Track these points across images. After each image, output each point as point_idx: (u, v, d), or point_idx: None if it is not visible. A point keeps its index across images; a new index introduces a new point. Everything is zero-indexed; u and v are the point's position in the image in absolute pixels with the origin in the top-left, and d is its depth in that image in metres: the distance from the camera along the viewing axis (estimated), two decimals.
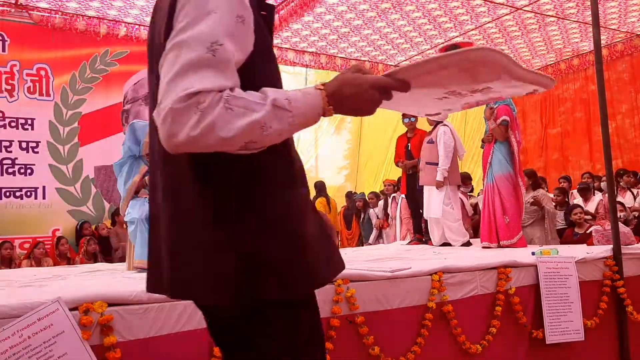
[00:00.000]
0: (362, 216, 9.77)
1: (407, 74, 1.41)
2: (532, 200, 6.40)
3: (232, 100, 1.19)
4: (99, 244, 7.91)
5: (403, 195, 9.26)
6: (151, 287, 1.60)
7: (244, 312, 1.38)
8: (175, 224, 1.40)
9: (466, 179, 7.51)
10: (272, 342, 1.39)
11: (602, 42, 6.01)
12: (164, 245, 1.44)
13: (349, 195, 10.56)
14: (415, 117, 7.04)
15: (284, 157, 1.41)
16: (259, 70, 1.34)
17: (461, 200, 6.63)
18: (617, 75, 10.70)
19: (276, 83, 1.39)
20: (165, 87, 1.20)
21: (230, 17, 1.25)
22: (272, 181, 1.38)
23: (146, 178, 4.75)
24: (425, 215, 6.41)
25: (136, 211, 4.55)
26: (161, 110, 1.19)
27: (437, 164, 6.14)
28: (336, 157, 11.94)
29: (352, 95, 1.34)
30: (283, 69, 10.63)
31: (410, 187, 6.85)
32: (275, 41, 9.57)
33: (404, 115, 6.95)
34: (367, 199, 9.96)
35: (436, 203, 6.16)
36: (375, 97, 1.36)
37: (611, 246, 4.58)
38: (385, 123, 11.79)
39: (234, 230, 1.33)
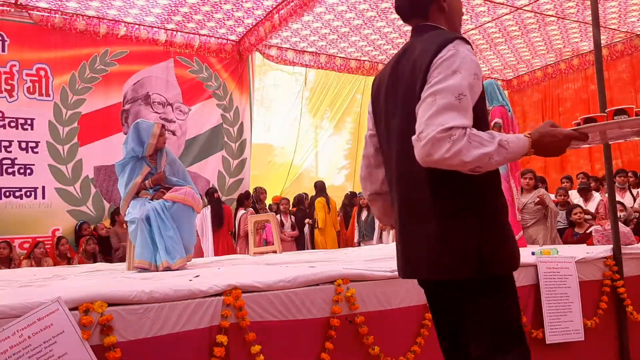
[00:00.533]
0: (367, 214, 9.78)
1: (589, 129, 2.15)
2: (537, 199, 6.37)
3: (472, 136, 1.73)
4: (98, 244, 7.90)
5: None
6: (406, 274, 2.15)
7: (474, 286, 1.93)
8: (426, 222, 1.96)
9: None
10: (496, 306, 1.95)
11: (602, 42, 6.00)
12: (418, 240, 2.00)
13: (350, 196, 10.54)
14: None
15: (496, 176, 2.00)
16: (478, 109, 1.88)
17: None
18: (617, 75, 10.70)
19: (484, 116, 1.96)
20: (425, 121, 1.76)
21: (470, 75, 1.83)
22: (490, 192, 1.97)
23: (147, 181, 4.75)
24: None
25: (137, 211, 4.54)
26: (423, 138, 1.75)
27: None
28: (336, 157, 11.93)
29: (549, 143, 1.92)
30: (283, 68, 10.65)
31: None
32: (275, 41, 9.59)
33: None
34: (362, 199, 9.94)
35: None
36: (564, 145, 1.96)
37: (611, 246, 4.58)
38: None
39: (467, 223, 1.90)
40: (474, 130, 1.75)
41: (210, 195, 8.94)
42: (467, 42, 1.94)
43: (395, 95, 2.06)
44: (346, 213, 10.46)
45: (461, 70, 1.81)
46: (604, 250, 4.55)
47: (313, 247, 9.39)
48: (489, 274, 1.90)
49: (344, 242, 10.26)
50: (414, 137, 1.79)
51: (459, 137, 1.71)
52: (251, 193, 9.66)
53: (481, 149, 1.73)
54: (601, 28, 5.43)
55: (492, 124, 5.70)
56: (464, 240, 1.89)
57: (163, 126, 4.91)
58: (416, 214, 1.99)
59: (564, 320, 4.01)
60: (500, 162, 1.80)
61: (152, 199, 4.66)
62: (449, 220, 1.91)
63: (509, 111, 5.82)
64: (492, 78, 12.42)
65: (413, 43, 2.07)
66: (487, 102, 5.87)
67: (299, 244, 9.52)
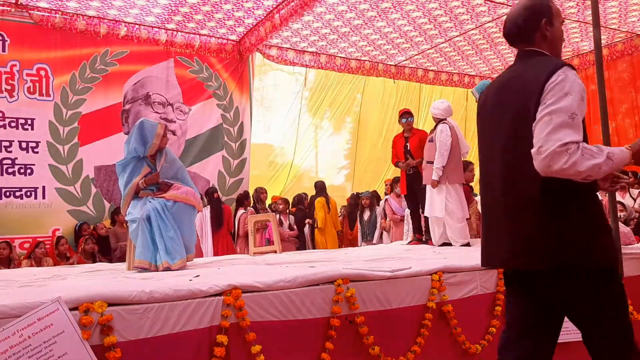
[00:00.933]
0: (369, 214, 9.79)
1: None
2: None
3: (585, 150, 2.07)
4: (97, 244, 7.90)
5: (388, 197, 9.33)
6: (490, 263, 2.55)
7: (581, 277, 2.21)
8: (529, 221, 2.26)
9: (467, 164, 7.16)
10: (602, 297, 2.23)
11: (603, 41, 6.00)
12: (514, 234, 2.31)
13: (355, 197, 10.51)
14: (413, 116, 7.00)
15: (595, 183, 2.29)
16: (582, 125, 2.17)
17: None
18: (617, 75, 10.70)
19: (585, 130, 2.21)
20: (544, 137, 2.10)
21: (579, 97, 2.15)
22: (593, 194, 2.28)
23: (140, 181, 4.72)
24: (427, 214, 6.36)
25: (138, 211, 4.54)
26: (543, 151, 2.09)
27: None
28: (336, 157, 11.93)
29: None
30: (283, 68, 10.64)
31: (410, 187, 6.82)
32: (275, 41, 9.59)
33: (402, 116, 6.92)
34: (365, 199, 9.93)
35: (438, 202, 6.13)
36: None
37: None
38: (381, 123, 11.83)
39: (579, 220, 2.21)
40: (586, 145, 2.10)
41: (210, 195, 8.94)
42: (573, 68, 2.25)
43: (503, 110, 2.41)
44: (352, 213, 10.45)
45: (571, 93, 2.14)
46: None
47: (314, 247, 9.40)
48: (596, 265, 2.20)
49: (349, 242, 10.26)
50: (533, 151, 2.14)
51: (574, 151, 2.06)
52: (251, 193, 9.66)
53: (592, 160, 2.07)
54: (601, 28, 5.43)
55: None
56: (577, 235, 2.19)
57: (166, 126, 4.92)
58: (524, 214, 2.28)
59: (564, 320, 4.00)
60: (606, 172, 2.12)
61: (154, 197, 4.65)
62: (560, 220, 2.20)
63: None
64: (492, 78, 12.44)
65: (521, 67, 2.43)
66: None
67: (299, 244, 9.52)
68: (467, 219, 6.29)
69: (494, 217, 2.46)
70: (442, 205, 6.08)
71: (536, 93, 2.21)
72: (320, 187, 9.89)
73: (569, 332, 4.02)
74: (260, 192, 9.60)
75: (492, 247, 2.46)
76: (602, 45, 4.41)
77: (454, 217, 6.08)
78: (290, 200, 10.06)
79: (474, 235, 6.49)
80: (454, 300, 3.68)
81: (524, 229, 2.27)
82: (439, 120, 6.33)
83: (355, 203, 10.40)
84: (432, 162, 6.17)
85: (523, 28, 2.44)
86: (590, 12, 5.42)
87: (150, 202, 4.58)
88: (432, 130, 6.39)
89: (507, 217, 2.35)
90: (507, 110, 2.37)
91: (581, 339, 3.66)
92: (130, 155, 4.72)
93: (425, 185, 6.33)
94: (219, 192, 9.20)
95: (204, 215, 8.77)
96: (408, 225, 8.44)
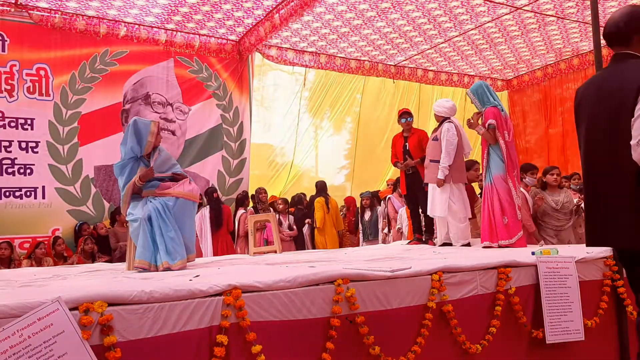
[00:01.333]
0: (370, 214, 9.79)
1: None
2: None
3: None
4: (97, 244, 7.90)
5: (390, 196, 9.32)
6: (595, 243, 3.00)
7: None
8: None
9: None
10: None
11: (602, 42, 5.97)
12: (622, 216, 2.72)
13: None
14: (412, 116, 6.98)
15: None
16: None
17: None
18: None
19: None
20: None
21: None
22: None
23: (137, 178, 4.70)
24: (429, 214, 6.35)
25: (139, 211, 4.53)
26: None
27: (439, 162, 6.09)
28: (336, 157, 11.93)
29: None
30: (282, 68, 10.64)
31: (410, 187, 6.80)
32: (275, 41, 9.59)
33: (401, 116, 6.91)
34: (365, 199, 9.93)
35: (440, 202, 6.11)
36: None
37: None
38: (381, 123, 11.83)
39: None
40: None
41: (210, 195, 8.93)
42: None
43: (602, 105, 2.79)
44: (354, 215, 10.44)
45: None
46: (604, 250, 4.54)
47: (313, 247, 9.40)
48: None
49: (352, 243, 10.24)
50: (633, 142, 2.51)
51: None
52: (250, 193, 9.66)
53: None
54: (601, 28, 5.43)
55: (487, 125, 5.68)
56: None
57: (159, 124, 4.90)
58: (623, 200, 2.70)
59: (564, 320, 4.00)
60: None
61: (155, 197, 4.64)
62: None
63: (502, 111, 5.79)
64: (492, 78, 12.45)
65: (617, 68, 2.81)
66: (478, 105, 5.88)
67: (299, 243, 9.52)
68: (470, 219, 6.29)
69: (599, 202, 2.85)
70: (445, 204, 6.06)
71: (634, 92, 2.58)
72: (321, 187, 9.88)
73: (569, 332, 4.03)
74: (260, 193, 9.59)
75: (599, 229, 2.89)
76: (602, 45, 4.41)
77: (456, 217, 6.07)
78: (289, 201, 10.06)
79: (478, 234, 6.47)
80: (454, 300, 3.67)
81: (623, 212, 2.69)
82: (443, 119, 6.30)
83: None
84: (435, 161, 6.14)
85: (623, 31, 2.79)
86: (589, 11, 5.42)
87: (151, 202, 4.58)
88: (436, 129, 6.35)
89: (611, 202, 2.75)
90: (606, 106, 2.77)
91: (582, 339, 3.72)
92: (128, 155, 4.71)
93: (426, 184, 6.32)
94: (219, 192, 9.19)
95: (204, 215, 8.76)
96: (401, 224, 8.44)
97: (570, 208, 6.32)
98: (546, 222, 6.30)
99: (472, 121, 5.85)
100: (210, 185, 9.31)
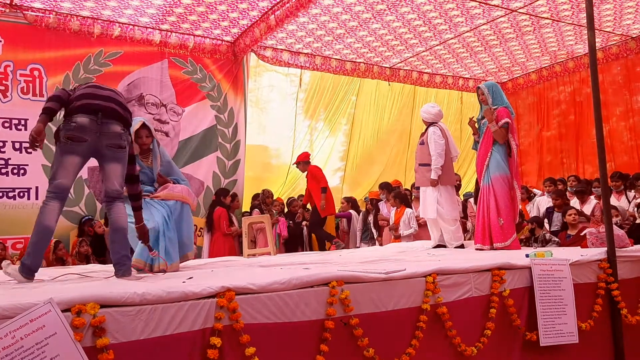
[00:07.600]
0: (365, 217, 9.83)
1: None
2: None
3: None
4: (92, 243, 7.87)
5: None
6: None
7: None
8: None
9: None
10: None
11: (597, 44, 6.01)
12: None
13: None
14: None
15: None
16: None
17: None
18: (611, 78, 10.73)
19: None
20: None
21: None
22: None
23: (149, 191, 4.71)
24: (421, 216, 6.43)
25: (148, 221, 4.52)
26: None
27: (429, 165, 6.16)
28: (331, 159, 11.91)
29: None
30: (277, 70, 10.62)
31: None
32: (270, 42, 9.57)
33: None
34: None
35: (430, 204, 6.16)
36: None
37: (605, 249, 4.59)
38: (376, 125, 11.84)
39: None
40: None
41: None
42: None
43: None
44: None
45: None
46: (598, 252, 4.56)
47: (311, 249, 9.45)
48: None
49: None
50: None
51: None
52: (248, 195, 9.67)
53: None
54: (596, 31, 5.45)
55: (502, 123, 5.74)
56: None
57: (144, 122, 4.86)
58: None
59: (558, 322, 4.01)
60: None
61: (151, 198, 4.63)
62: None
63: (512, 114, 5.91)
64: (487, 80, 12.47)
65: None
66: (490, 100, 5.92)
67: (298, 243, 9.59)
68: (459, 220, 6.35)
69: None
70: (434, 206, 6.13)
71: None
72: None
73: (563, 335, 4.03)
74: (267, 196, 9.58)
75: None
76: (597, 48, 4.42)
77: (445, 218, 6.13)
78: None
79: (469, 237, 6.51)
80: (448, 302, 3.67)
81: None
82: (429, 124, 6.43)
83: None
84: (423, 165, 6.24)
85: None
86: (584, 14, 5.43)
87: (155, 207, 4.56)
88: (423, 134, 6.48)
89: None
90: None
91: (576, 342, 3.71)
92: None
93: (417, 187, 6.37)
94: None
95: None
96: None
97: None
98: None
99: (486, 116, 5.86)
100: (205, 187, 9.29)
